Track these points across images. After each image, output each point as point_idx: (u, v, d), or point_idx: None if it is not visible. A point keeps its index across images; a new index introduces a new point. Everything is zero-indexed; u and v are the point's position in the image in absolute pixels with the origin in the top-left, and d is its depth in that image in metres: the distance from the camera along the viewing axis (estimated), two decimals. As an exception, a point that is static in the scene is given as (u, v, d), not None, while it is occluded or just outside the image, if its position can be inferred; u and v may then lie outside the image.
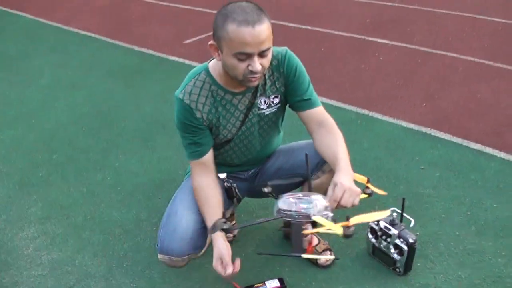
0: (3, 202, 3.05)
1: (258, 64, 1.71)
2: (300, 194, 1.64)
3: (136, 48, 5.80)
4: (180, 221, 1.94)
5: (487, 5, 6.96)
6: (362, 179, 1.84)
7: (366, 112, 3.86)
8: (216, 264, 1.82)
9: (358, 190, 1.73)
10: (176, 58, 5.32)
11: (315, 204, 1.59)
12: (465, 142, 3.37)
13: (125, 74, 4.99)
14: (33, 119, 4.10)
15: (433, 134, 3.49)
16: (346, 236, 1.57)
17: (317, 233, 1.73)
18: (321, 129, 2.01)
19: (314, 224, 1.62)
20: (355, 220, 1.55)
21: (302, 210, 1.57)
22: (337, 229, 1.55)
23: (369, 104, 3.99)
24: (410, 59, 4.94)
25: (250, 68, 1.72)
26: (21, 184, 3.21)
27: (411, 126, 3.61)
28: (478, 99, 3.98)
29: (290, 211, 1.59)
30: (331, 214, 1.60)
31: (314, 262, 2.37)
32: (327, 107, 3.84)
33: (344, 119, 3.73)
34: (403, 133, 3.52)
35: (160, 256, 1.95)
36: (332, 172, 1.98)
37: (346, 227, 1.54)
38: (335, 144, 1.93)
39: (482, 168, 3.07)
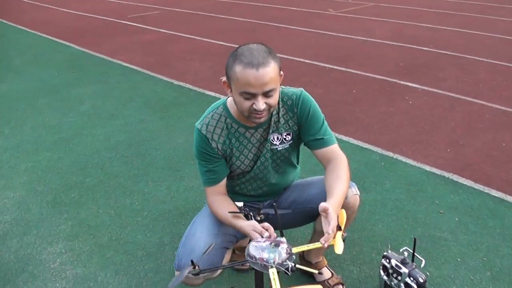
0: (36, 218, 3.20)
1: (261, 104, 1.83)
2: (268, 242, 1.70)
3: (175, 82, 6.01)
4: (197, 241, 2.03)
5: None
6: (342, 216, 1.84)
7: (390, 154, 3.93)
8: (252, 233, 1.83)
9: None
10: (212, 93, 5.49)
11: (279, 254, 1.65)
12: (486, 189, 3.39)
13: (161, 107, 5.16)
14: (71, 144, 4.28)
15: (455, 179, 3.53)
16: None
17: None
18: (328, 166, 2.09)
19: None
20: None
21: (264, 259, 1.64)
22: None
23: (394, 146, 4.06)
24: (438, 104, 5.01)
25: (254, 106, 1.84)
26: (54, 203, 3.36)
27: (434, 170, 3.66)
28: (503, 148, 4.01)
29: (256, 258, 1.66)
30: (291, 264, 1.66)
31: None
32: (352, 147, 3.99)
33: (368, 160, 3.82)
34: (425, 177, 3.57)
35: (177, 273, 2.03)
36: (342, 208, 2.09)
37: None
38: (333, 182, 2.00)
39: (502, 216, 3.09)
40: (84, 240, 2.96)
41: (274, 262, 1.62)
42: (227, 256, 2.16)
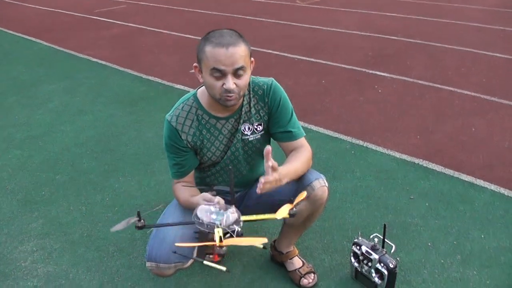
0: (6, 217, 3.16)
1: (231, 83, 1.85)
2: (217, 206, 1.72)
3: (144, 76, 5.96)
4: (169, 231, 2.02)
5: (488, 40, 7.09)
6: (301, 196, 1.85)
7: (360, 142, 3.95)
8: (202, 202, 1.81)
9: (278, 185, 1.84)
10: (181, 87, 5.46)
11: (227, 217, 1.66)
12: (456, 174, 3.43)
13: (130, 101, 5.12)
14: (40, 141, 4.23)
15: (425, 165, 3.56)
16: (218, 254, 1.64)
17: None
18: (291, 153, 2.13)
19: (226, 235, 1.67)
20: (228, 241, 1.63)
21: (211, 221, 1.65)
22: (213, 243, 1.63)
23: (364, 135, 4.08)
24: (408, 92, 5.06)
25: (224, 86, 1.86)
26: (25, 201, 3.33)
27: (404, 157, 3.69)
28: (472, 132, 4.06)
29: (202, 220, 1.67)
30: (238, 229, 1.67)
31: (297, 284, 2.46)
32: (323, 137, 4.01)
33: (338, 149, 3.84)
34: (395, 164, 3.60)
35: (148, 264, 2.03)
36: (309, 199, 2.11)
37: (218, 247, 1.62)
38: (291, 160, 2.06)
39: (472, 200, 3.13)
40: (55, 238, 2.93)
41: (220, 224, 1.63)
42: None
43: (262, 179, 1.75)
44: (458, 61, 6.08)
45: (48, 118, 4.77)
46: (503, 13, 9.22)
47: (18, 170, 3.75)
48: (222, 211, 1.69)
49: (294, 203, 1.77)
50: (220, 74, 1.85)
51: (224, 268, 1.66)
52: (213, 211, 1.68)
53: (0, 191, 3.47)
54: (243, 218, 1.73)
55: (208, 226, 1.64)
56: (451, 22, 8.45)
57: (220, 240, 1.59)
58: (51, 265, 2.70)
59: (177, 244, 1.68)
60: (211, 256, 2.59)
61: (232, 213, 1.68)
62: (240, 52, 1.84)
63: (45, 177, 3.62)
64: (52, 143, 4.19)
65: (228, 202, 1.79)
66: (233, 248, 2.71)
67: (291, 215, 1.76)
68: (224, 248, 1.63)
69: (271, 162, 1.75)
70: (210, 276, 2.56)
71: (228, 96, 1.89)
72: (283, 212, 1.75)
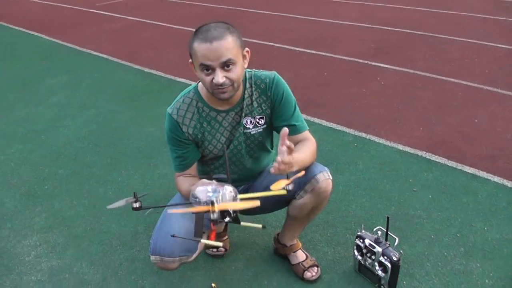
0: (10, 211, 3.17)
1: (220, 77, 1.85)
2: (214, 185, 1.73)
3: (146, 69, 5.95)
4: (173, 224, 2.03)
5: (492, 31, 7.04)
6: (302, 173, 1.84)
7: (363, 135, 3.94)
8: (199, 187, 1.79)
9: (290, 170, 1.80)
10: (183, 80, 5.45)
11: (223, 194, 1.67)
12: (459, 166, 3.42)
13: (133, 95, 5.12)
14: (43, 136, 4.24)
15: (428, 157, 3.55)
16: (212, 220, 1.64)
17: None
18: (298, 144, 2.10)
19: (223, 215, 1.67)
20: (221, 206, 1.63)
21: (208, 199, 1.66)
22: (206, 209, 1.63)
23: (367, 127, 4.07)
24: (410, 83, 5.04)
25: (214, 81, 1.86)
26: (28, 196, 3.33)
27: (407, 149, 3.68)
28: (475, 124, 4.04)
29: (200, 199, 1.68)
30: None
31: (300, 277, 2.46)
32: (325, 129, 3.99)
33: (341, 142, 3.83)
34: (398, 156, 3.59)
35: (152, 258, 2.03)
36: (313, 191, 2.10)
37: (212, 212, 1.62)
38: (300, 149, 2.03)
39: (475, 192, 3.12)
40: (58, 232, 2.94)
41: (216, 201, 1.64)
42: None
43: (279, 158, 1.72)
44: (462, 52, 6.05)
45: (50, 112, 4.77)
46: (509, 3, 9.15)
47: (20, 165, 3.76)
48: (218, 188, 1.70)
49: (291, 179, 1.75)
50: (208, 69, 1.86)
51: (220, 244, 1.67)
52: (210, 190, 1.69)
53: (3, 186, 3.47)
54: (240, 196, 1.74)
55: (205, 204, 1.65)
56: (455, 13, 8.40)
57: (213, 205, 1.59)
58: (55, 259, 2.71)
59: (169, 211, 1.67)
60: (213, 250, 2.62)
61: (229, 192, 1.69)
62: (225, 45, 1.83)
63: (47, 171, 3.63)
64: (55, 138, 4.19)
65: None
66: (236, 242, 2.72)
67: (287, 191, 1.75)
68: (216, 215, 1.63)
69: (288, 142, 1.72)
70: (214, 270, 2.56)
71: (219, 89, 1.90)
72: (279, 185, 1.74)
